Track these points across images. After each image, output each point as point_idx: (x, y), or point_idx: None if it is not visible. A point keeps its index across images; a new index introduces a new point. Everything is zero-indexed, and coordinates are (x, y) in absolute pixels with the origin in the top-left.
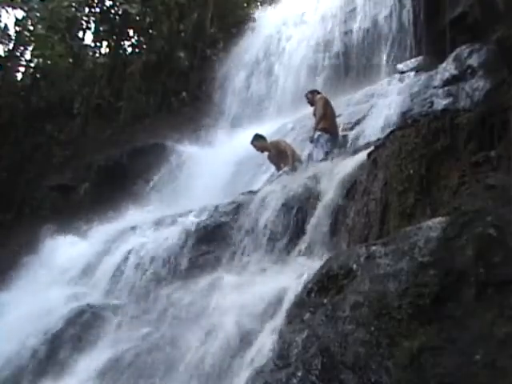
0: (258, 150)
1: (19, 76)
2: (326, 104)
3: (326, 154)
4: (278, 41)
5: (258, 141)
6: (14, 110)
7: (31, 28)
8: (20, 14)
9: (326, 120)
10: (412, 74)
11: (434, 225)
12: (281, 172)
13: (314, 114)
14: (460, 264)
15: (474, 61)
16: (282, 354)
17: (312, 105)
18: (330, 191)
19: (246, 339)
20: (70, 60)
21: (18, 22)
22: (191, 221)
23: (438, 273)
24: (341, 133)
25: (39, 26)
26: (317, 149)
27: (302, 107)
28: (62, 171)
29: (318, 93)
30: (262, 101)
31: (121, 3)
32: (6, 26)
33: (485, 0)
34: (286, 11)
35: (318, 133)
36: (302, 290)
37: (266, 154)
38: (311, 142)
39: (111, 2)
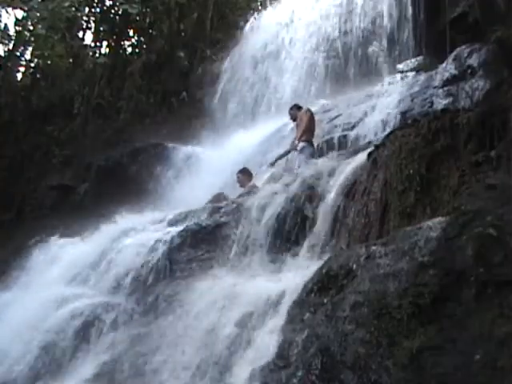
0: (291, 118)
1: (19, 76)
2: (312, 118)
3: None
4: (277, 41)
5: (293, 109)
6: (14, 110)
7: (31, 28)
8: (20, 13)
9: (310, 133)
10: (412, 73)
11: (433, 225)
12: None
13: (297, 126)
14: (460, 264)
15: (473, 61)
16: (282, 354)
17: (294, 120)
18: (330, 191)
19: (246, 339)
20: (70, 60)
21: (17, 22)
22: (191, 221)
23: (437, 273)
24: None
25: (39, 26)
26: (299, 158)
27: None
28: (62, 171)
29: (300, 107)
30: (262, 101)
31: (121, 3)
32: (6, 25)
33: (485, 0)
34: (286, 11)
35: (303, 144)
36: (302, 290)
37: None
38: (295, 150)
39: (111, 2)
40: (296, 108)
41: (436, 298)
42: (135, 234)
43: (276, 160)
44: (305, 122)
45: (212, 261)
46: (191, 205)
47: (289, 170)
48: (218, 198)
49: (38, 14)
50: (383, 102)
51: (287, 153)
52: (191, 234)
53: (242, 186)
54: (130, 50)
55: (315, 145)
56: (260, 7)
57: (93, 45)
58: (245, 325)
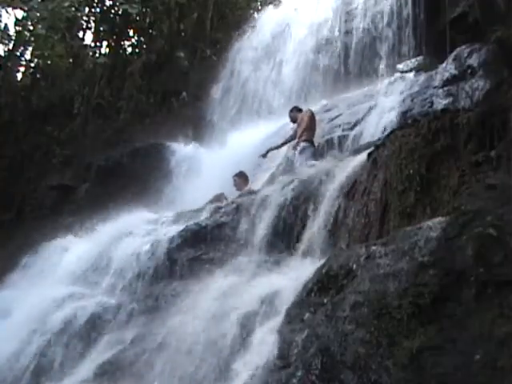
0: (291, 120)
1: (19, 76)
2: (313, 117)
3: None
4: (278, 41)
5: (293, 112)
6: (14, 110)
7: (31, 28)
8: (20, 14)
9: (311, 132)
10: (412, 74)
11: (433, 225)
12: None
13: (298, 127)
14: (460, 264)
15: (473, 61)
16: (282, 354)
17: (294, 122)
18: (330, 191)
19: (245, 339)
20: (70, 60)
21: (17, 22)
22: (191, 221)
23: (437, 273)
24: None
25: (39, 26)
26: (301, 158)
27: (303, 107)
28: (62, 171)
29: (300, 109)
30: (263, 101)
31: (121, 3)
32: (6, 25)
33: (485, 0)
34: (286, 11)
35: (304, 144)
36: (302, 290)
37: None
38: (296, 150)
39: (111, 2)
40: (296, 110)
41: (436, 297)
42: (135, 233)
43: (268, 151)
44: (305, 121)
45: (212, 261)
46: (191, 205)
47: (289, 170)
48: (218, 198)
49: (38, 14)
50: (383, 101)
51: (280, 145)
52: (191, 234)
53: (238, 189)
54: (130, 49)
55: (315, 144)
56: (260, 7)
57: (93, 45)
58: (244, 325)
